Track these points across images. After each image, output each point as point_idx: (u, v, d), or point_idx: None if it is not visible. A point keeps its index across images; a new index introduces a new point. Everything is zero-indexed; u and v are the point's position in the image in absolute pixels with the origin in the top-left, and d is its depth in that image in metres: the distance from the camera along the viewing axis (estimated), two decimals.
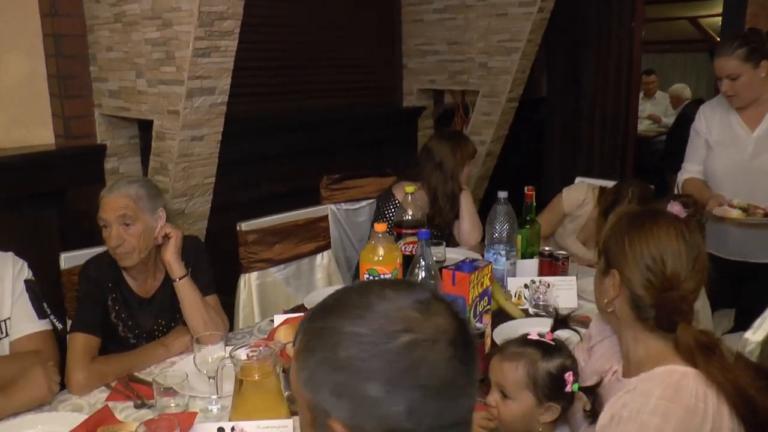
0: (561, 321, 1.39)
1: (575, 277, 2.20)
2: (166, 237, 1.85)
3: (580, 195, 2.86)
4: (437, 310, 0.79)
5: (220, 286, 2.10)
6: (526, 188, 2.43)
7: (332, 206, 3.06)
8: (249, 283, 2.64)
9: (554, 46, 5.25)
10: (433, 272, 1.73)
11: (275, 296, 2.71)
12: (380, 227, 1.73)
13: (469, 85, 3.98)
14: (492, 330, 1.84)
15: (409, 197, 2.30)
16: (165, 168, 2.59)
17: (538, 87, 5.43)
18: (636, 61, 6.47)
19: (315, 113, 3.87)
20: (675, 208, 2.13)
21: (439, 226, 2.84)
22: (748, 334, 1.35)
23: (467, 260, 1.79)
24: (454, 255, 2.64)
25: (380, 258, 1.69)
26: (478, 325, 1.68)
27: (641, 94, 7.53)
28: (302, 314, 1.88)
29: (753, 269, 2.59)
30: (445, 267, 1.76)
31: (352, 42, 4.04)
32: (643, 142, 6.34)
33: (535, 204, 2.44)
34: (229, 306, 2.39)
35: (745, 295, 2.60)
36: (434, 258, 2.28)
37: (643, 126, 7.06)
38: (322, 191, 3.08)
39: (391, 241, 1.75)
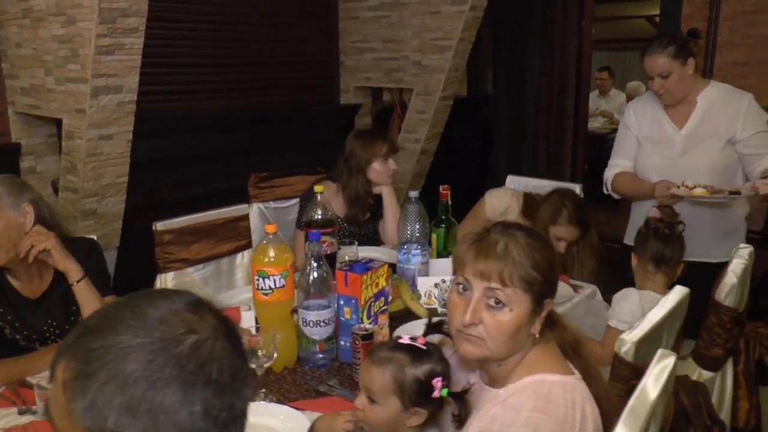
0: (434, 326, 1.39)
1: None
2: (45, 251, 1.81)
3: (503, 202, 2.89)
4: (205, 310, 0.81)
5: (139, 287, 2.07)
6: (441, 187, 2.45)
7: (260, 205, 3.06)
8: (165, 284, 2.62)
9: (500, 44, 5.29)
10: (325, 274, 1.73)
11: None
12: (270, 228, 1.72)
13: (404, 83, 4.00)
14: (392, 330, 1.85)
15: (318, 196, 2.30)
16: (75, 167, 2.56)
17: (483, 84, 5.46)
18: (586, 59, 6.56)
19: (249, 111, 3.86)
20: (653, 211, 2.18)
21: (359, 224, 2.85)
22: (625, 335, 1.38)
23: (362, 261, 1.80)
24: (372, 254, 2.66)
25: (271, 259, 1.69)
26: (368, 326, 1.69)
27: (596, 92, 7.67)
28: None
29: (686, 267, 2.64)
30: (339, 268, 1.76)
31: (288, 38, 4.04)
32: (596, 139, 6.42)
33: (450, 203, 2.45)
34: None
35: None
36: (347, 258, 2.32)
37: (597, 123, 7.16)
38: (250, 190, 3.07)
39: (281, 241, 1.74)
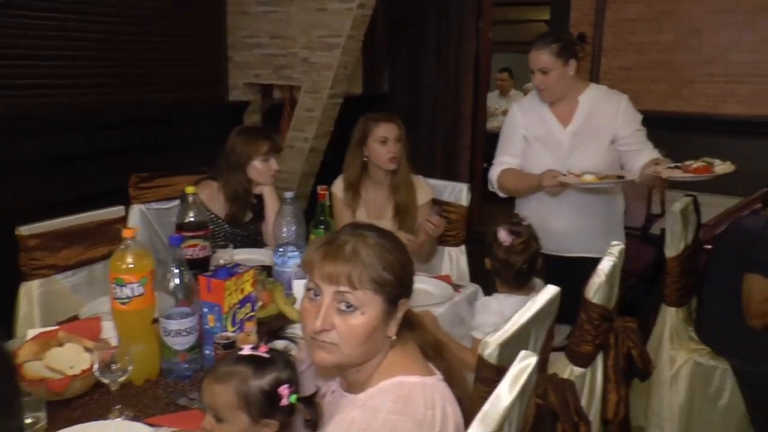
0: (274, 332, 1.35)
1: None
2: None
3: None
4: None
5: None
6: (319, 188, 2.41)
7: (142, 206, 2.93)
8: (30, 292, 2.46)
9: (397, 43, 5.31)
10: (187, 279, 1.65)
11: (64, 305, 2.54)
12: (128, 233, 1.63)
13: (293, 81, 3.95)
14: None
15: (191, 198, 2.21)
16: None
17: (380, 83, 5.47)
18: (485, 60, 6.69)
19: (131, 108, 3.69)
20: (502, 234, 2.17)
21: (241, 224, 2.77)
22: (488, 337, 1.38)
23: (227, 266, 1.74)
24: (253, 256, 2.59)
25: (129, 266, 1.60)
26: (230, 334, 1.63)
27: (496, 92, 7.86)
28: (55, 329, 1.77)
29: (569, 263, 2.72)
30: (202, 274, 1.69)
31: (173, 32, 3.90)
32: (496, 138, 6.54)
33: (329, 203, 2.42)
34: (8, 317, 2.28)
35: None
36: (221, 261, 2.24)
37: (498, 122, 7.32)
38: (130, 191, 2.95)
39: (141, 246, 1.65)
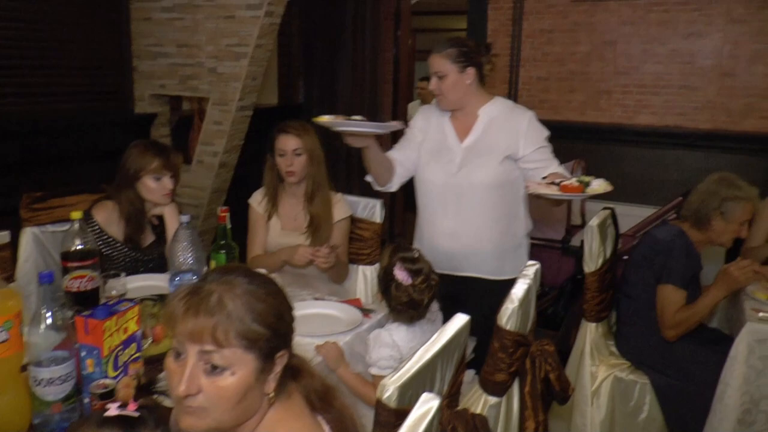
0: (144, 386, 1.21)
1: None
2: None
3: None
4: None
5: None
6: (219, 209, 2.26)
7: (35, 229, 2.71)
8: None
9: (312, 52, 5.20)
10: (60, 321, 1.49)
11: None
12: None
13: (200, 92, 3.78)
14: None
15: (77, 224, 2.03)
16: None
17: (295, 94, 5.34)
18: (404, 69, 6.64)
19: (26, 120, 3.45)
20: (400, 274, 2.06)
21: (141, 248, 2.60)
22: (387, 379, 1.27)
23: (108, 302, 1.58)
24: (154, 282, 2.43)
25: None
26: (108, 381, 1.47)
27: (418, 101, 7.85)
28: None
29: (461, 282, 2.64)
30: (78, 314, 1.53)
31: (73, 39, 3.67)
32: None
33: (230, 226, 2.28)
34: None
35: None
36: (113, 293, 2.07)
37: None
38: (22, 212, 2.73)
39: (3, 285, 1.48)
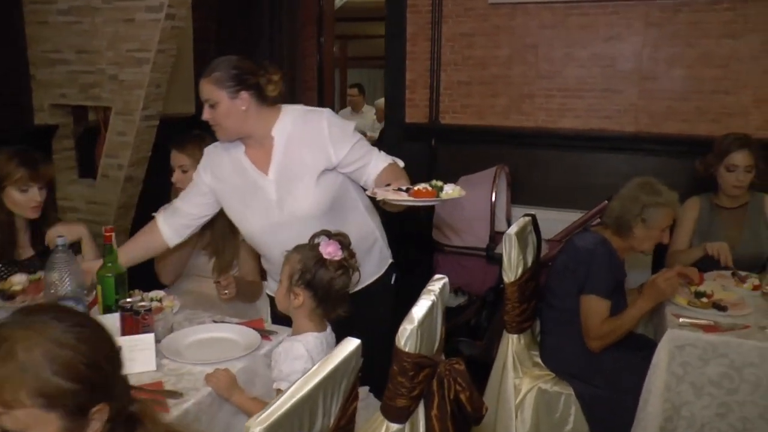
0: None
1: (153, 335, 1.91)
2: None
3: None
4: None
5: None
6: (104, 228, 2.09)
7: None
8: None
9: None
10: None
11: None
12: None
13: (102, 101, 3.58)
14: None
15: None
16: None
17: None
18: (328, 76, 6.54)
19: None
20: (329, 248, 1.94)
21: (18, 263, 2.45)
22: (253, 420, 1.14)
23: None
24: None
25: None
26: None
27: (348, 109, 7.80)
28: None
29: None
30: None
31: None
32: None
33: (116, 246, 2.11)
34: None
35: None
36: None
37: None
38: None
39: None
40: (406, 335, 1.65)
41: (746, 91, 3.91)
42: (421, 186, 1.99)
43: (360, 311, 2.09)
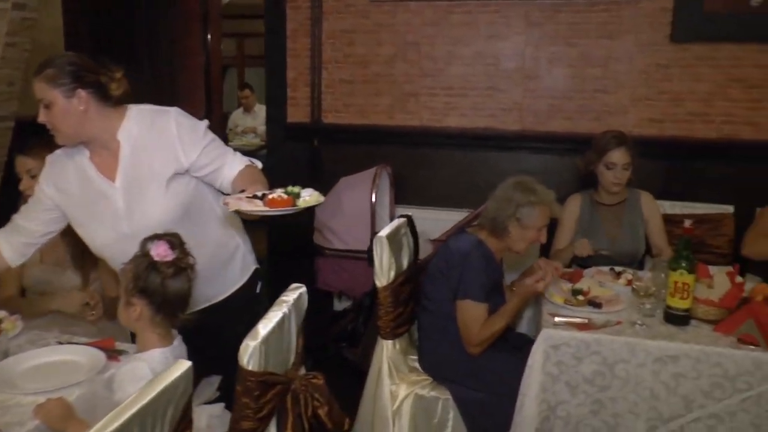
0: None
1: None
2: None
3: None
4: None
5: None
6: None
7: None
8: None
9: (106, 57, 4.77)
10: None
11: None
12: None
13: None
14: None
15: None
16: None
17: None
18: (216, 75, 6.34)
19: None
20: (159, 249, 1.79)
21: None
22: None
23: None
24: None
25: None
26: None
27: (241, 109, 7.64)
28: None
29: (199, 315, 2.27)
30: None
31: None
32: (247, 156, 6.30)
33: None
34: None
35: None
36: None
37: (245, 140, 7.26)
38: None
39: None
40: (249, 352, 1.54)
41: (624, 90, 4.00)
42: (276, 194, 1.86)
43: (223, 322, 1.96)
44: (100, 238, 2.13)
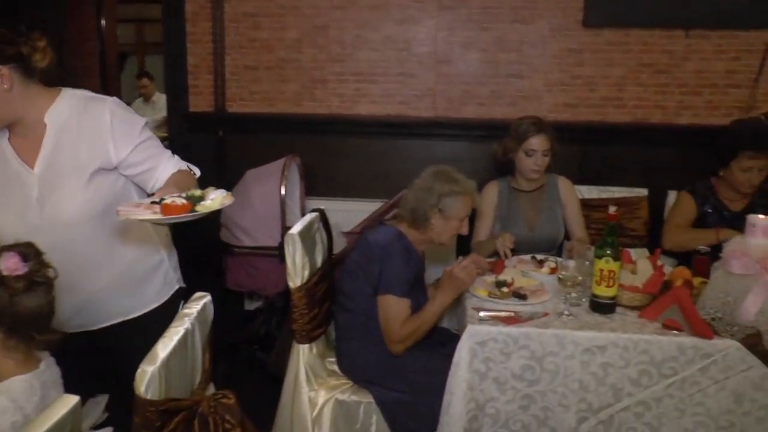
0: None
1: None
2: None
3: None
4: None
5: None
6: None
7: None
8: None
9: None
10: None
11: None
12: None
13: None
14: None
15: None
16: None
17: None
18: (112, 62, 5.98)
19: None
20: (9, 262, 1.54)
21: None
22: None
23: None
24: None
25: None
26: None
27: (141, 99, 7.27)
28: None
29: (103, 334, 2.11)
30: None
31: None
32: None
33: None
34: None
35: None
36: None
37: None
38: None
39: None
40: (147, 380, 1.32)
41: (538, 75, 3.97)
42: (170, 199, 1.64)
43: (137, 341, 1.74)
44: (7, 227, 1.88)
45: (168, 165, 2.02)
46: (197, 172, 2.10)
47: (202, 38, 4.05)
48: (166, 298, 2.19)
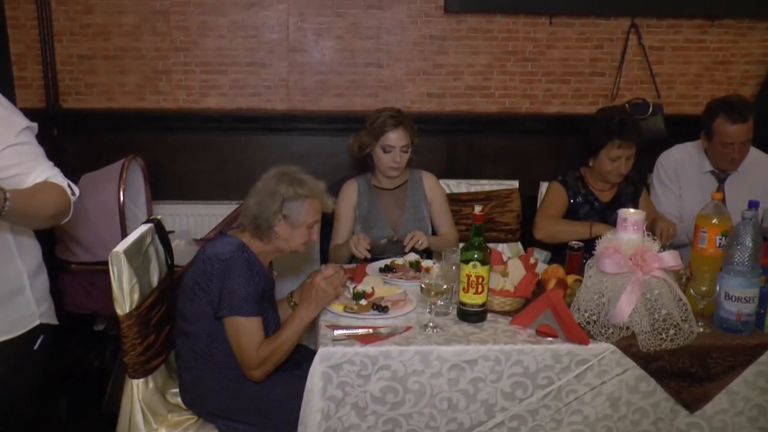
0: None
1: None
2: None
3: None
4: None
5: None
6: None
7: None
8: None
9: None
10: None
11: None
12: None
13: None
14: None
15: None
16: None
17: None
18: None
19: None
20: None
21: None
22: None
23: None
24: None
25: None
26: None
27: None
28: None
29: None
30: None
31: None
32: None
33: None
34: None
35: None
36: None
37: None
38: None
39: None
40: None
41: (399, 63, 3.79)
42: None
43: None
44: None
45: (42, 175, 1.80)
46: (76, 192, 1.89)
47: (26, 23, 3.57)
48: (21, 333, 1.88)
